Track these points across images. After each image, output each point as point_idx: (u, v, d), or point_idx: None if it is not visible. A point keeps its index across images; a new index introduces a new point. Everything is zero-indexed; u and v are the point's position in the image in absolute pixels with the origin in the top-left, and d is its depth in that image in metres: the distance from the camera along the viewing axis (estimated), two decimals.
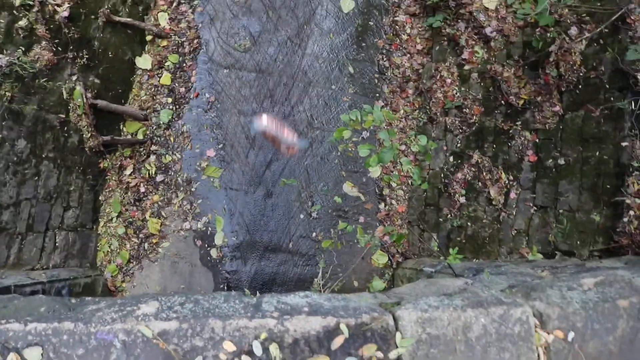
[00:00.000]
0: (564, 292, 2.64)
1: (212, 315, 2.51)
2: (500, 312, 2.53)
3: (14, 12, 5.45)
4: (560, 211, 5.61)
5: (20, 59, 5.43)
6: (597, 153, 5.38)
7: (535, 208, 5.84)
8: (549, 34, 5.82)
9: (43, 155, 5.77)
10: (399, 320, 2.54)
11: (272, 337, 2.45)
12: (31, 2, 5.55)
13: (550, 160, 5.75)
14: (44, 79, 5.72)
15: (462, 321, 2.51)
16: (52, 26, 5.78)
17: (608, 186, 5.27)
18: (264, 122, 4.02)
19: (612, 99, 5.33)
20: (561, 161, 5.66)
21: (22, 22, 5.50)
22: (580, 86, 5.60)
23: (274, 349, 2.43)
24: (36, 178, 5.71)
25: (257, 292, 6.30)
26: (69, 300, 2.81)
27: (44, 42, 5.70)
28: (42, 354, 2.43)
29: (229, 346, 2.44)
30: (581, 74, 5.60)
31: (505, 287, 2.98)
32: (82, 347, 2.43)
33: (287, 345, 2.45)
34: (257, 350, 2.43)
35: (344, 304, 2.65)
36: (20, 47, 5.50)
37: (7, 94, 5.31)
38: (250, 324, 2.46)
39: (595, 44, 5.55)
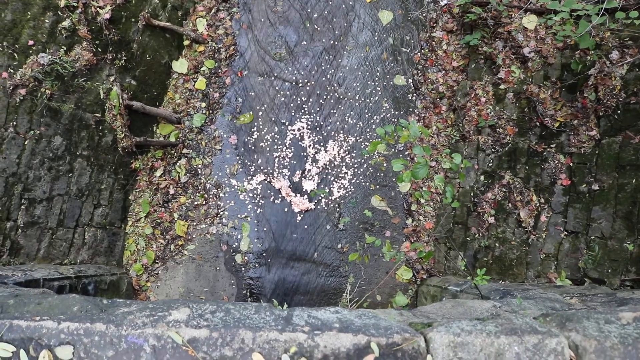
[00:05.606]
0: (601, 325, 2.56)
1: (242, 325, 2.50)
2: (535, 341, 2.47)
3: (59, 12, 5.57)
4: (592, 237, 5.49)
5: (61, 58, 5.55)
6: (634, 180, 5.24)
7: (566, 233, 5.73)
8: (589, 57, 5.73)
9: (77, 153, 5.87)
10: (431, 342, 2.49)
11: (302, 351, 2.43)
12: (75, 4, 5.68)
13: (584, 185, 5.64)
14: (83, 79, 5.83)
15: (495, 348, 2.46)
16: (93, 27, 5.90)
17: None
18: None
19: None
20: (595, 187, 5.54)
21: (66, 23, 5.62)
22: (619, 111, 5.49)
23: None
24: (70, 175, 5.81)
25: (280, 300, 6.32)
26: (100, 301, 2.84)
27: (84, 43, 5.82)
28: (73, 353, 2.46)
29: (258, 358, 2.42)
30: (621, 99, 5.48)
31: (538, 315, 2.91)
32: (113, 349, 2.45)
33: None
34: None
35: (374, 322, 2.62)
36: (62, 47, 5.63)
37: (47, 91, 5.43)
38: (281, 337, 2.44)
39: (637, 69, 5.43)
